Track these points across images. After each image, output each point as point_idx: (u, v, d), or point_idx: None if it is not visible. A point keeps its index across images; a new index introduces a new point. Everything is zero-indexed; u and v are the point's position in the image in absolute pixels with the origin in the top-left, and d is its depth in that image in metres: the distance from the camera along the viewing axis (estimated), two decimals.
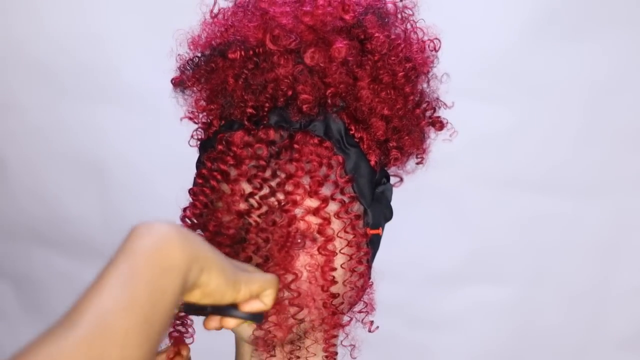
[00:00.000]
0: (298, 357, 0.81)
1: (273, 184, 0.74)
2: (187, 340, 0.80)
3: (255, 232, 0.74)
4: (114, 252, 0.57)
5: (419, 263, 1.73)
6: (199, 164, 0.82)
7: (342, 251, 0.77)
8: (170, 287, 0.56)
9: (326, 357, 0.82)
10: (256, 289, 0.68)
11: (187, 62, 0.81)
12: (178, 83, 0.82)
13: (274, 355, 0.79)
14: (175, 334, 0.78)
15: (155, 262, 0.56)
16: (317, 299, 0.77)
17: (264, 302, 0.69)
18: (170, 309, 0.56)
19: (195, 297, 0.63)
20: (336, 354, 0.82)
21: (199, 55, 0.81)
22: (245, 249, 0.74)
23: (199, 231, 0.79)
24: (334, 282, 0.77)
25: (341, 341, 0.83)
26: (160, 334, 0.55)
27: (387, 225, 0.85)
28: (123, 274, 0.54)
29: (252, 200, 0.74)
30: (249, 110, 0.76)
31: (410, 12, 0.83)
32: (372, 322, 0.82)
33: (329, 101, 0.76)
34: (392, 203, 0.84)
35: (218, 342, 1.00)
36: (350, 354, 0.83)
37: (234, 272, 0.65)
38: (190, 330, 0.79)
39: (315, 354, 0.82)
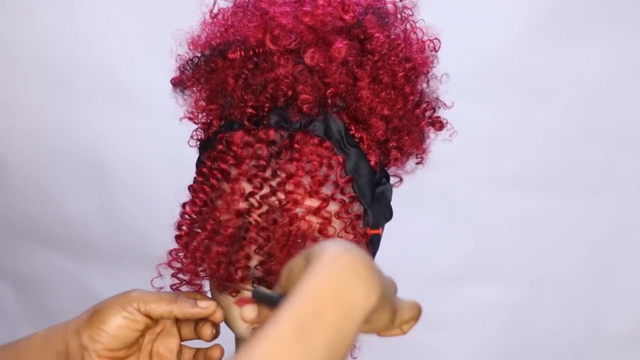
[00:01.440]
0: None
1: (273, 183, 0.74)
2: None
3: (255, 231, 0.74)
4: (297, 282, 0.50)
5: (419, 263, 1.72)
6: (199, 162, 0.82)
7: None
8: (351, 332, 0.49)
9: None
10: (406, 319, 0.62)
11: (187, 62, 0.81)
12: (178, 83, 0.82)
13: None
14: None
15: (340, 305, 0.49)
16: None
17: (404, 330, 0.63)
18: (346, 355, 0.50)
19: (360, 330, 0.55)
20: None
21: (199, 55, 0.81)
22: (243, 247, 0.75)
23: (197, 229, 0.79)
24: None
25: None
26: None
27: (387, 225, 0.85)
28: (301, 317, 0.48)
29: (252, 200, 0.74)
30: (249, 110, 0.76)
31: (410, 12, 0.83)
32: None
33: (329, 101, 0.76)
34: (392, 203, 0.84)
35: (218, 341, 1.00)
36: (351, 354, 0.83)
37: (394, 302, 0.59)
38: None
39: None
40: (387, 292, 0.55)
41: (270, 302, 0.63)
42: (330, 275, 0.50)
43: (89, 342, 0.73)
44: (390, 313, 0.57)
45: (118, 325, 0.74)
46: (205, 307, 0.76)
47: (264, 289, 0.63)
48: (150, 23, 1.59)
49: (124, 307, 0.74)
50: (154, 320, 0.76)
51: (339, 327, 0.48)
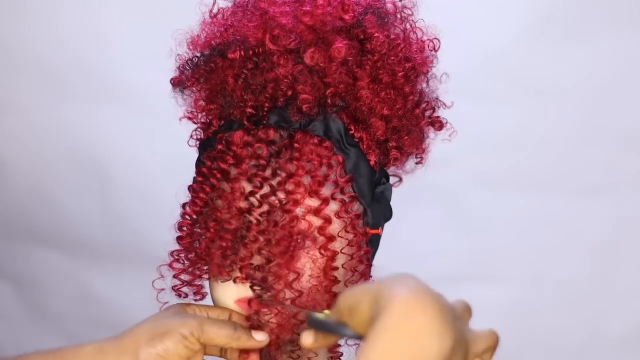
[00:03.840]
0: (300, 357, 0.81)
1: (274, 183, 0.74)
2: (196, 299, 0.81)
3: (256, 232, 0.74)
4: (368, 337, 0.50)
5: (419, 263, 1.72)
6: (199, 162, 0.82)
7: (343, 251, 0.77)
8: None
9: (330, 357, 0.82)
10: (481, 351, 0.59)
11: (187, 62, 0.81)
12: (177, 83, 0.82)
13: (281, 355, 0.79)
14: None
15: None
16: (319, 299, 0.77)
17: (483, 359, 0.60)
18: None
19: None
20: (341, 354, 0.82)
21: (199, 55, 0.81)
22: (246, 245, 0.75)
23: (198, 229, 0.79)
24: (336, 281, 0.77)
25: (345, 341, 0.83)
26: None
27: (387, 225, 0.85)
28: None
29: (252, 199, 0.74)
30: (249, 110, 0.76)
31: (410, 12, 0.83)
32: None
33: (329, 101, 0.76)
34: (392, 203, 0.84)
35: None
36: (355, 354, 0.83)
37: (466, 338, 0.57)
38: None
39: (318, 354, 0.82)
40: (460, 336, 0.55)
41: (325, 328, 0.63)
42: (403, 337, 0.50)
43: None
44: (463, 352, 0.56)
45: (179, 355, 0.73)
46: (262, 340, 0.76)
47: (317, 315, 0.64)
48: (150, 23, 1.59)
49: (186, 336, 0.73)
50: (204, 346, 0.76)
51: None
